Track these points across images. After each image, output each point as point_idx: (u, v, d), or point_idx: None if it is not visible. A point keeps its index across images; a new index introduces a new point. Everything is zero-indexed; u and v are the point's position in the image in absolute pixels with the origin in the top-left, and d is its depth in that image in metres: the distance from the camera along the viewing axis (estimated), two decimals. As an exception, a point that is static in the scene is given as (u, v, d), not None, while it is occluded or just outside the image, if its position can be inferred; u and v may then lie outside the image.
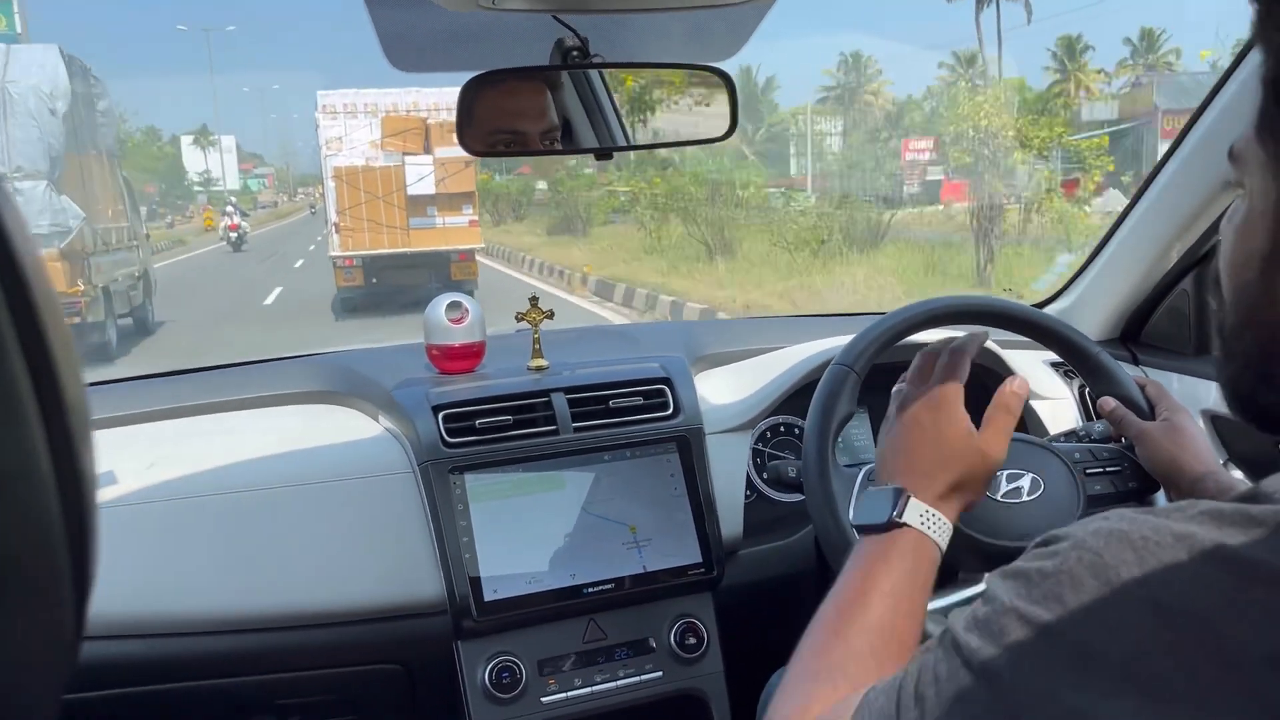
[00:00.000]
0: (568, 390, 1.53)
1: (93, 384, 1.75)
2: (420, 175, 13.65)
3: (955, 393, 1.05)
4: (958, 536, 1.01)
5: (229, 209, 26.97)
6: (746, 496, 1.60)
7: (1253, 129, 0.62)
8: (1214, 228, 1.58)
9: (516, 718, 1.42)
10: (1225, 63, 1.50)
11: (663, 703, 1.49)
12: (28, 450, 0.33)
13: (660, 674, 1.49)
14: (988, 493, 1.16)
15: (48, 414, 0.34)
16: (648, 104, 1.48)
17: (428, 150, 13.77)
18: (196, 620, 1.38)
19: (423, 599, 1.41)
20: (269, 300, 15.78)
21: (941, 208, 22.93)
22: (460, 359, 1.62)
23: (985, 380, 1.27)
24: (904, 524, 0.96)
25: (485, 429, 1.47)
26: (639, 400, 1.56)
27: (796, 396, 1.60)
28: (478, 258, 14.55)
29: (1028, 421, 1.66)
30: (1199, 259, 1.60)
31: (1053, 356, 1.71)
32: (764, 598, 1.58)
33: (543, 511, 1.47)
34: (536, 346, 1.61)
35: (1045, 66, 40.24)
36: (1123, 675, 0.53)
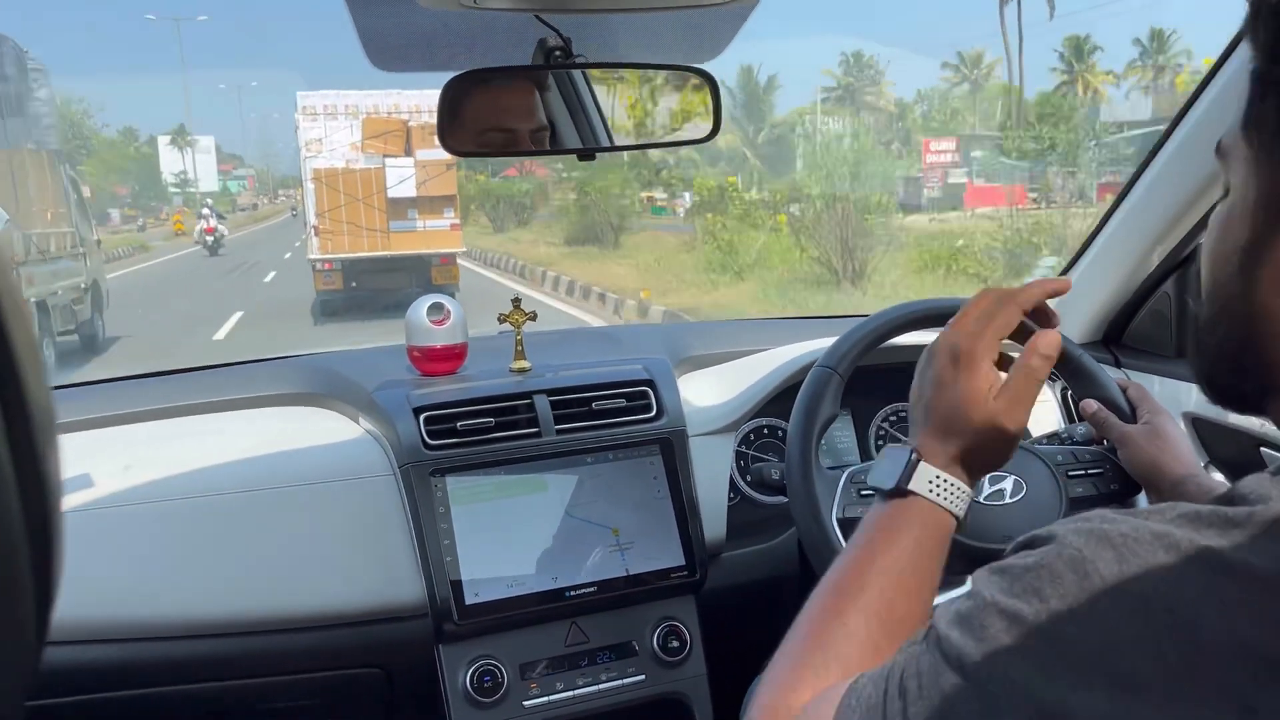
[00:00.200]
0: (550, 392, 1.53)
1: (69, 385, 1.74)
2: (401, 178, 13.60)
3: (986, 347, 0.92)
4: None
5: (205, 211, 26.64)
6: (730, 499, 1.59)
7: (1239, 124, 0.63)
8: (1195, 231, 1.59)
9: None
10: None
11: (645, 706, 1.49)
12: None
13: (643, 677, 1.48)
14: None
15: (9, 417, 0.33)
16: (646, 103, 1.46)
17: (409, 152, 13.72)
18: (172, 624, 1.36)
19: (403, 602, 1.40)
20: (220, 334, 12.23)
21: (969, 214, 19.83)
22: (442, 360, 1.61)
23: None
24: (911, 491, 0.89)
25: (467, 431, 1.46)
26: (622, 402, 1.55)
27: (780, 399, 1.60)
28: (475, 267, 14.21)
29: None
30: (1180, 262, 1.61)
31: None
32: (747, 600, 1.58)
33: (525, 514, 1.46)
34: (519, 348, 1.61)
35: (1051, 68, 39.58)
36: (1094, 667, 0.54)
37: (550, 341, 1.82)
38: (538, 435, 1.49)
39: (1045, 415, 1.70)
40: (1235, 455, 1.48)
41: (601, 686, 1.46)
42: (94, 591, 1.31)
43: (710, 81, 1.40)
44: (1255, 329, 0.63)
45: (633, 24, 1.45)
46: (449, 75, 1.30)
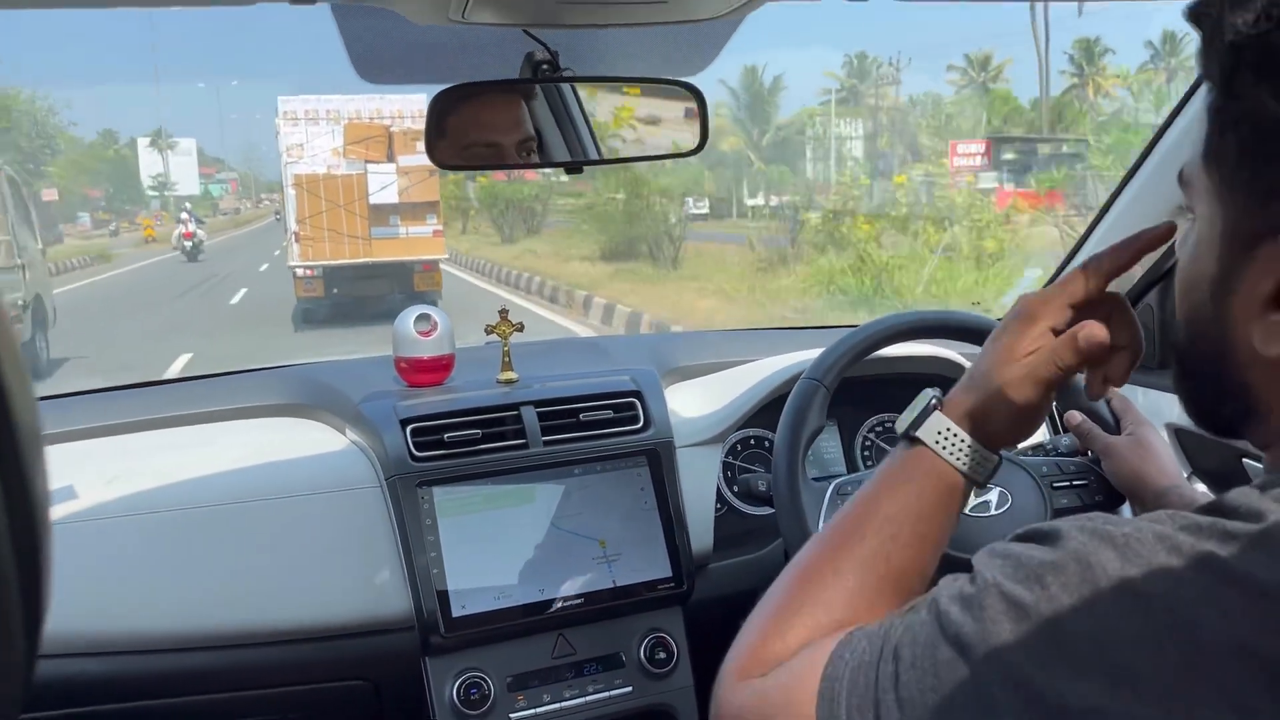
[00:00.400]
0: (537, 403, 1.53)
1: (53, 397, 1.72)
2: (383, 184, 13.53)
3: (1050, 311, 0.82)
4: None
5: (184, 215, 26.38)
6: (717, 510, 1.60)
7: (1199, 156, 0.64)
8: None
9: None
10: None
11: (633, 717, 1.49)
12: None
13: (630, 689, 1.48)
14: None
15: None
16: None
17: (391, 158, 13.65)
18: (158, 637, 1.35)
19: (390, 615, 1.40)
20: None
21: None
22: (429, 372, 1.61)
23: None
24: (918, 439, 0.84)
25: (454, 442, 1.46)
26: (609, 413, 1.55)
27: (767, 410, 1.60)
28: (496, 289, 13.44)
29: None
30: (1162, 274, 1.62)
31: None
32: (734, 611, 1.56)
33: (512, 526, 1.46)
34: (506, 359, 1.60)
35: (1061, 70, 37.83)
36: (1091, 658, 0.55)
37: (537, 352, 1.82)
38: (525, 446, 1.49)
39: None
40: (1218, 466, 1.49)
41: (589, 698, 1.46)
42: (78, 604, 1.30)
43: (697, 95, 1.41)
44: (1230, 356, 0.64)
45: (620, 38, 1.46)
46: (437, 88, 1.30)
